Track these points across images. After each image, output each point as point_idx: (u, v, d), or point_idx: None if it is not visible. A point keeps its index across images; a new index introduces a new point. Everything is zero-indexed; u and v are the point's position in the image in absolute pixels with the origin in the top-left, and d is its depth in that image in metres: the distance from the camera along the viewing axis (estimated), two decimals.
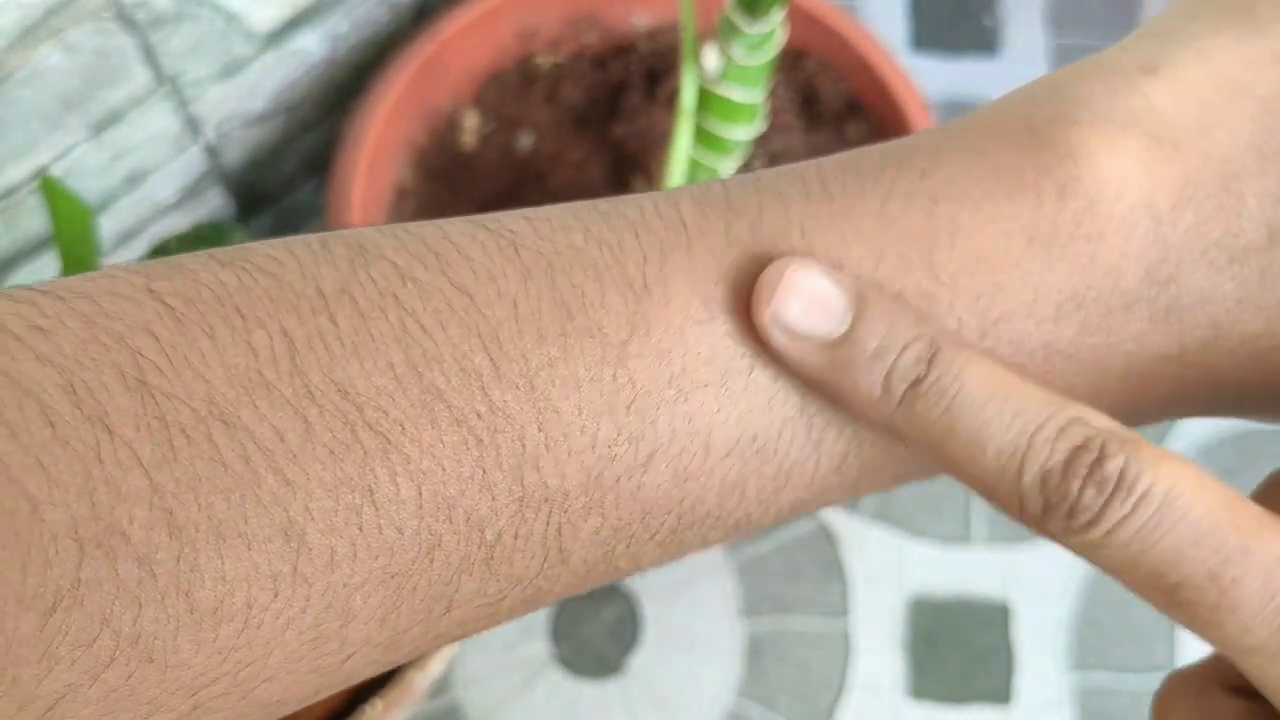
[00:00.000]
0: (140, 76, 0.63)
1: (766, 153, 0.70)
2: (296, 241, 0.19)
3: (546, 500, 0.19)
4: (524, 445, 0.18)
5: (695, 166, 0.56)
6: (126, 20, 0.59)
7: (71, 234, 0.47)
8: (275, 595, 0.17)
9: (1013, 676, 0.78)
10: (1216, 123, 0.20)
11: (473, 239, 0.19)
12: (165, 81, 0.65)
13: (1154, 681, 0.67)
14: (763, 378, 0.19)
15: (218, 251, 0.19)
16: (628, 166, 0.71)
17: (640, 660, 0.77)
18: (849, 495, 0.21)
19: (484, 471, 0.18)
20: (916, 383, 0.19)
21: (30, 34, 0.55)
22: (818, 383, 0.20)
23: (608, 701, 0.76)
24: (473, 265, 0.19)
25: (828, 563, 0.80)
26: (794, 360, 0.19)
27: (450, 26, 0.70)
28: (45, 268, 0.67)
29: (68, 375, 0.17)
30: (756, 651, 0.77)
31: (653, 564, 0.21)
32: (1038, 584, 0.80)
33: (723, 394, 0.19)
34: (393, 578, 0.18)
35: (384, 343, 0.18)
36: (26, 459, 0.16)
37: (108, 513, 0.16)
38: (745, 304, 0.19)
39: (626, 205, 0.20)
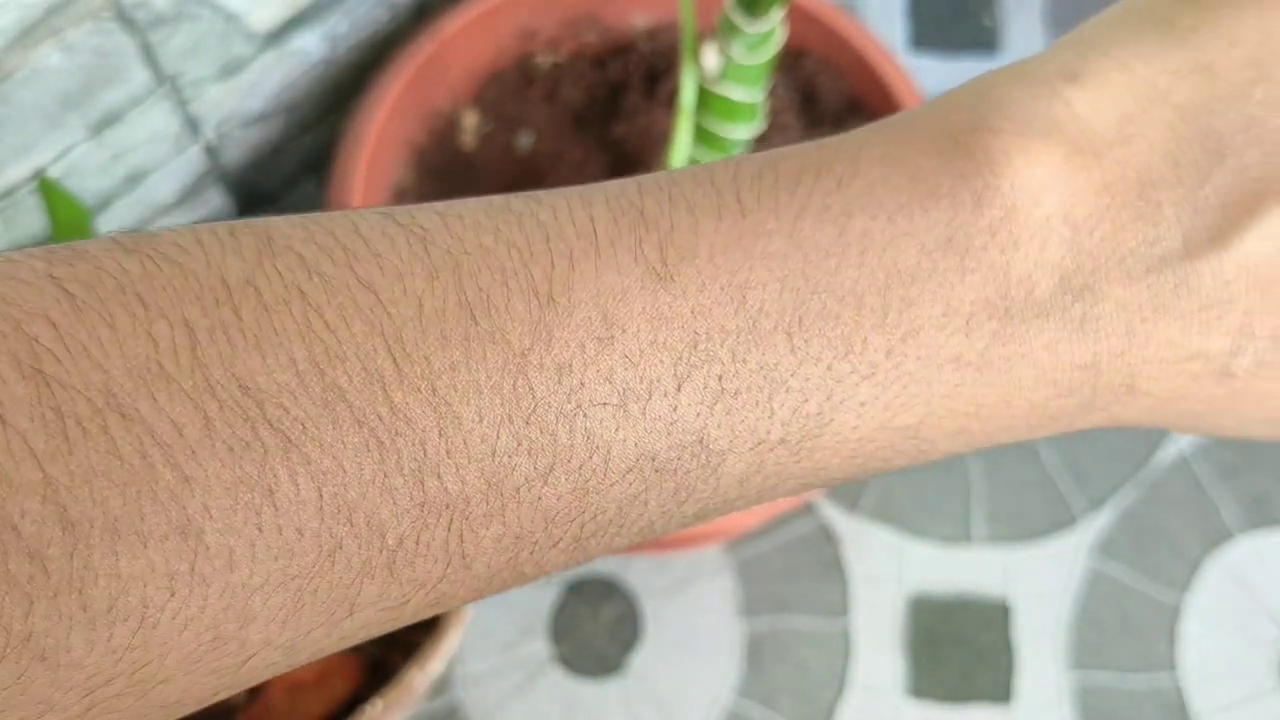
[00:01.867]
0: (140, 76, 0.63)
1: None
2: (205, 229, 0.19)
3: (448, 506, 0.18)
4: (425, 450, 0.18)
5: (695, 166, 0.56)
6: (126, 20, 0.59)
7: (70, 234, 0.47)
8: (172, 595, 0.17)
9: (1013, 676, 0.78)
10: (1136, 131, 0.20)
11: (382, 233, 0.19)
12: (165, 81, 0.65)
13: (1154, 681, 0.68)
14: (661, 405, 0.19)
15: (123, 237, 0.18)
16: (628, 166, 0.71)
17: (640, 660, 0.77)
18: (756, 503, 0.21)
19: (385, 475, 0.18)
20: None
21: (29, 34, 0.55)
22: None
23: (608, 701, 0.76)
24: (380, 261, 0.19)
25: (828, 562, 0.80)
26: None
27: (450, 26, 0.70)
28: None
29: None
30: (756, 651, 0.77)
31: (557, 569, 0.21)
32: (1038, 584, 0.80)
33: (620, 414, 0.19)
34: (293, 580, 0.18)
35: (287, 338, 0.18)
36: None
37: None
38: (644, 326, 0.19)
39: (540, 206, 0.20)
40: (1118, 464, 0.82)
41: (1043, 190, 0.20)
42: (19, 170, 0.61)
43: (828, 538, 0.80)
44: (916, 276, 0.20)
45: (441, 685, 0.75)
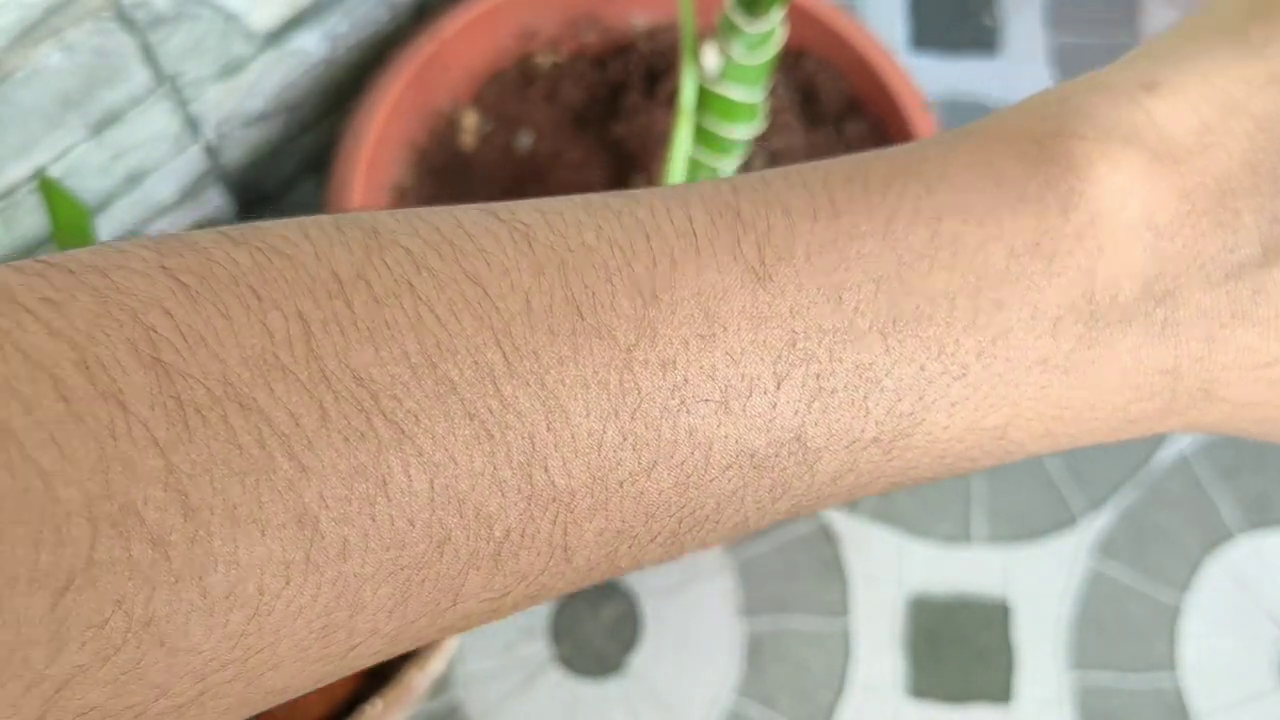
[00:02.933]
0: (140, 76, 0.63)
1: (766, 151, 0.70)
2: (309, 222, 0.19)
3: (554, 500, 0.19)
4: (533, 443, 0.18)
5: (695, 166, 0.56)
6: (126, 20, 0.59)
7: (70, 234, 0.47)
8: (287, 583, 0.17)
9: (1013, 675, 0.78)
10: (1214, 140, 0.20)
11: (486, 229, 0.19)
12: (165, 81, 0.65)
13: (1154, 681, 0.68)
14: (761, 402, 0.20)
15: (229, 229, 0.19)
16: (628, 166, 0.71)
17: (640, 659, 0.77)
18: (846, 501, 0.22)
19: (495, 467, 0.18)
20: None
21: (29, 34, 0.55)
22: None
23: (608, 700, 0.76)
24: (487, 256, 0.19)
25: (828, 562, 0.80)
26: None
27: (450, 26, 0.70)
28: None
29: (81, 350, 0.16)
30: (756, 650, 0.77)
31: (652, 563, 0.21)
32: (1038, 583, 0.80)
33: (722, 411, 0.19)
34: (402, 570, 0.18)
35: (399, 330, 0.18)
36: (40, 434, 0.16)
37: (122, 492, 0.16)
38: (745, 324, 0.19)
39: (638, 205, 0.20)
40: (1118, 464, 0.82)
41: (1126, 196, 0.20)
42: (19, 170, 0.61)
43: (828, 538, 0.80)
44: (1005, 279, 0.20)
45: (441, 685, 0.75)
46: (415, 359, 0.18)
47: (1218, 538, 0.81)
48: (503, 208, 0.20)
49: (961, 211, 0.20)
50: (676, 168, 0.56)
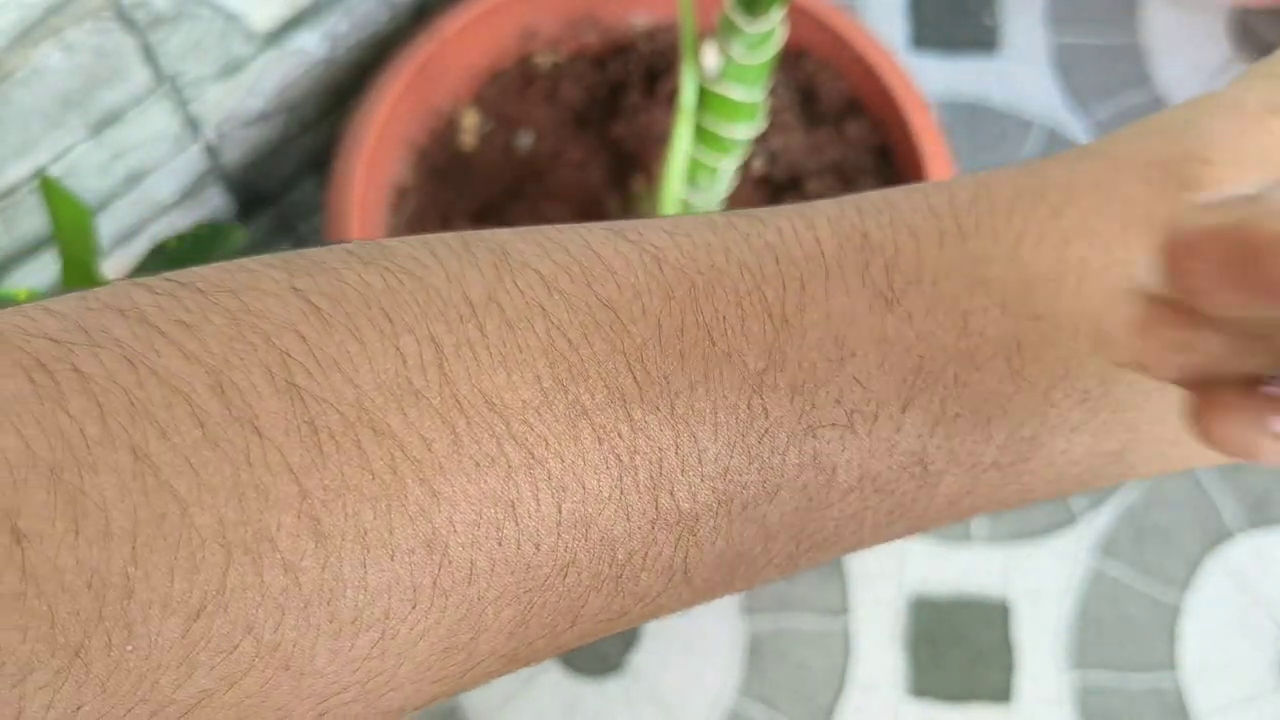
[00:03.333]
0: (139, 76, 0.63)
1: (766, 151, 0.70)
2: (438, 243, 0.19)
3: (678, 523, 0.19)
4: (661, 468, 0.18)
5: (695, 165, 0.56)
6: (126, 20, 0.59)
7: (71, 233, 0.47)
8: (413, 607, 0.17)
9: (1013, 675, 0.78)
10: None
11: (615, 250, 0.19)
12: (165, 81, 0.65)
13: (1154, 681, 0.68)
14: (886, 427, 0.19)
15: (356, 249, 0.19)
16: (628, 166, 0.71)
17: (641, 659, 0.77)
18: (957, 521, 0.22)
19: (622, 492, 0.18)
20: None
21: (29, 34, 0.55)
22: None
23: (608, 700, 0.76)
24: (617, 279, 0.19)
25: (828, 562, 0.80)
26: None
27: (450, 26, 0.70)
28: (45, 267, 0.67)
29: (216, 375, 0.16)
30: (757, 650, 0.77)
31: (765, 582, 0.21)
32: (1038, 583, 0.80)
33: (848, 435, 0.19)
34: (526, 593, 0.18)
35: (531, 355, 0.18)
36: (176, 460, 0.16)
37: (256, 518, 0.16)
38: (872, 349, 0.19)
39: (765, 227, 0.20)
40: None
41: None
42: (19, 170, 0.61)
43: None
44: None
45: None
46: (547, 383, 0.18)
47: (1218, 537, 0.81)
48: (630, 228, 0.20)
49: (1088, 235, 0.20)
50: (676, 167, 0.56)
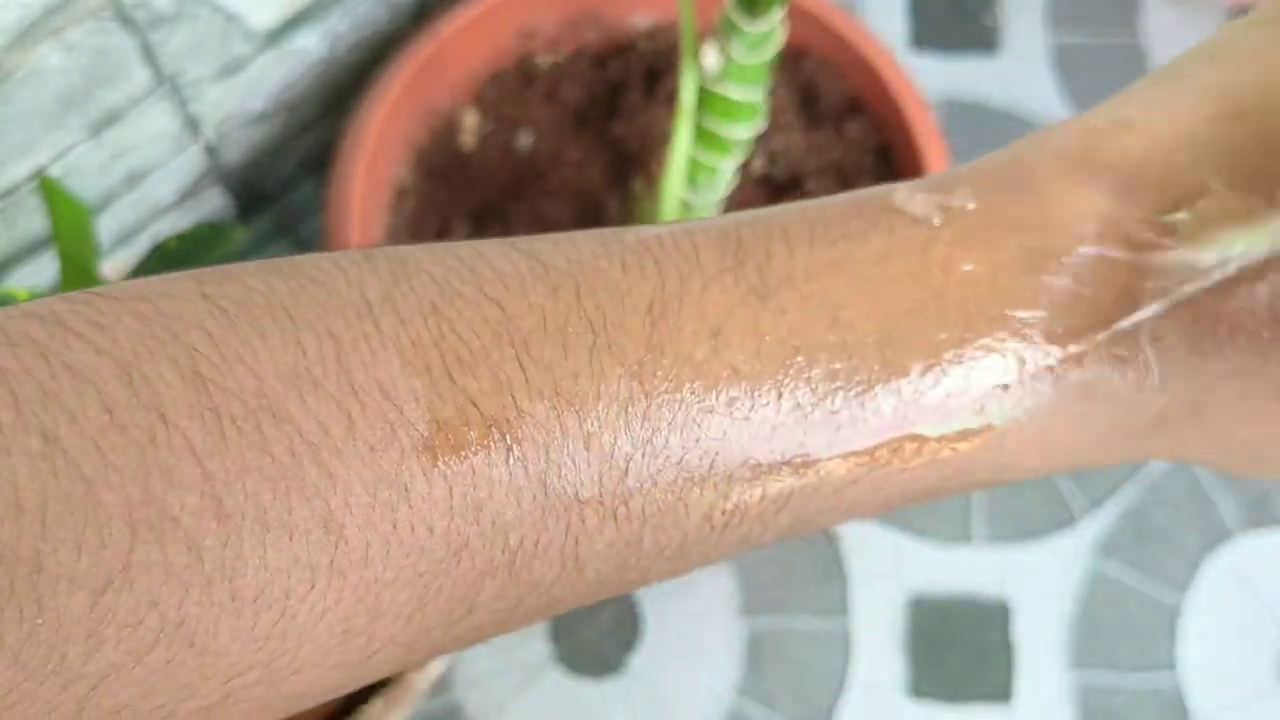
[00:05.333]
0: (139, 76, 0.63)
1: (766, 151, 0.70)
2: (341, 255, 0.20)
3: (566, 509, 0.19)
4: (548, 453, 0.19)
5: (695, 166, 0.56)
6: (126, 20, 0.59)
7: (70, 233, 0.47)
8: (312, 586, 0.18)
9: (1013, 675, 0.78)
10: (1180, 170, 0.22)
11: (504, 256, 0.20)
12: (165, 81, 0.65)
13: (1154, 680, 0.68)
14: (764, 414, 0.20)
15: (266, 262, 0.20)
16: (627, 166, 0.71)
17: (640, 660, 0.77)
18: (847, 519, 0.23)
19: (511, 476, 0.19)
20: None
21: (29, 33, 0.55)
22: None
23: (608, 701, 0.76)
24: (505, 280, 0.20)
25: (828, 562, 0.80)
26: None
27: (450, 26, 0.70)
28: (45, 267, 0.67)
29: (125, 366, 0.17)
30: (756, 651, 0.77)
31: (659, 578, 0.22)
32: (1038, 583, 0.80)
33: (727, 422, 0.20)
34: (420, 576, 0.19)
35: (423, 347, 0.19)
36: (84, 443, 0.16)
37: (160, 497, 0.17)
38: (748, 339, 0.20)
39: (647, 235, 0.21)
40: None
41: (1102, 220, 0.21)
42: (19, 169, 0.61)
43: (828, 538, 0.80)
44: (993, 295, 0.21)
45: (442, 686, 0.75)
46: (437, 373, 0.19)
47: (1218, 538, 0.81)
48: (520, 240, 0.21)
49: (948, 237, 0.21)
50: (676, 167, 0.56)
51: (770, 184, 0.70)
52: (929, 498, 0.23)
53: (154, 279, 0.19)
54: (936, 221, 0.22)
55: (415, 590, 0.19)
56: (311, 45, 0.72)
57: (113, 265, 0.70)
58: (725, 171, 0.56)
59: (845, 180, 0.70)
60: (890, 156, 0.70)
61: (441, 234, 0.70)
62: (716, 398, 0.20)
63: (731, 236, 0.21)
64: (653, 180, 0.69)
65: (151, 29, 0.61)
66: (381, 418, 0.18)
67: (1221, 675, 0.78)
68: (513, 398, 0.19)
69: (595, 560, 0.20)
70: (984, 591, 0.79)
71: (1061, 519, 0.81)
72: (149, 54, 0.62)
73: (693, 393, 0.20)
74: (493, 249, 0.21)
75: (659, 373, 0.20)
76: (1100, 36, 0.91)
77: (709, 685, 0.76)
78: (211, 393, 0.17)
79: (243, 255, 0.82)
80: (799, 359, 0.21)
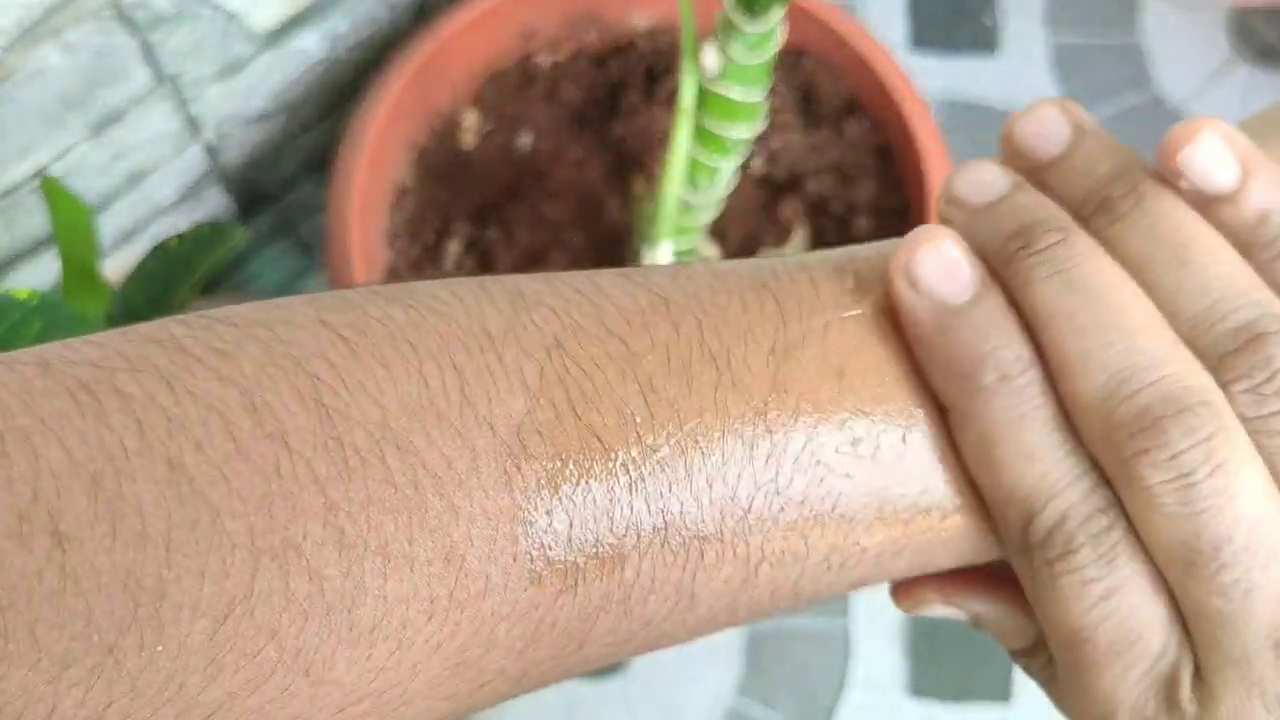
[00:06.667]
0: (140, 76, 0.63)
1: (766, 151, 0.70)
2: (456, 284, 0.20)
3: (684, 545, 0.19)
4: (670, 488, 0.19)
5: (695, 166, 0.56)
6: (126, 20, 0.59)
7: (71, 233, 0.47)
8: (430, 618, 0.18)
9: (1012, 674, 0.78)
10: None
11: (623, 290, 0.20)
12: (165, 81, 0.65)
13: None
14: (889, 453, 0.20)
15: (382, 289, 0.20)
16: (627, 166, 0.71)
17: (641, 659, 0.77)
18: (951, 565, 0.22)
19: (632, 511, 0.19)
20: (1005, 378, 0.20)
21: (30, 34, 0.55)
22: (923, 344, 0.20)
23: (609, 700, 0.76)
24: (625, 314, 0.20)
25: None
26: (906, 310, 0.20)
27: (450, 26, 0.70)
28: (46, 267, 0.67)
29: (248, 394, 0.17)
30: (756, 650, 0.77)
31: (768, 617, 0.22)
32: None
33: (851, 461, 0.20)
34: (537, 609, 0.19)
35: (548, 382, 0.19)
36: (210, 471, 0.16)
37: (284, 526, 0.17)
38: (871, 378, 0.20)
39: (762, 270, 0.21)
40: None
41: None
42: (20, 170, 0.61)
43: None
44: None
45: None
46: (562, 407, 0.19)
47: None
48: (635, 272, 0.21)
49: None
50: (676, 167, 0.56)
51: (770, 184, 0.70)
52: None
53: (268, 304, 0.19)
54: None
55: (530, 624, 0.19)
56: (312, 45, 0.72)
57: (113, 265, 0.71)
58: (725, 171, 0.56)
59: (845, 180, 0.70)
60: (890, 156, 0.70)
61: (442, 234, 0.70)
62: (840, 437, 0.20)
63: (847, 273, 0.21)
64: (653, 180, 0.69)
65: (152, 29, 0.61)
66: (506, 451, 0.18)
67: None
68: (638, 433, 0.19)
69: (709, 597, 0.20)
70: None
71: None
72: (149, 54, 0.62)
73: (818, 434, 0.20)
74: (609, 280, 0.21)
75: (784, 413, 0.20)
76: (1099, 36, 0.91)
77: (709, 684, 0.76)
78: (335, 422, 0.17)
79: (243, 255, 0.82)
80: (922, 397, 0.20)
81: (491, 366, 0.19)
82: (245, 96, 0.71)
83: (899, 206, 0.69)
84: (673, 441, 0.19)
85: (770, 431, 0.20)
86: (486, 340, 0.19)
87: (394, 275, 0.68)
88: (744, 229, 0.69)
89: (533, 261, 0.68)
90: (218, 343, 0.18)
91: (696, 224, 0.60)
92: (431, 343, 0.19)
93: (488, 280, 0.20)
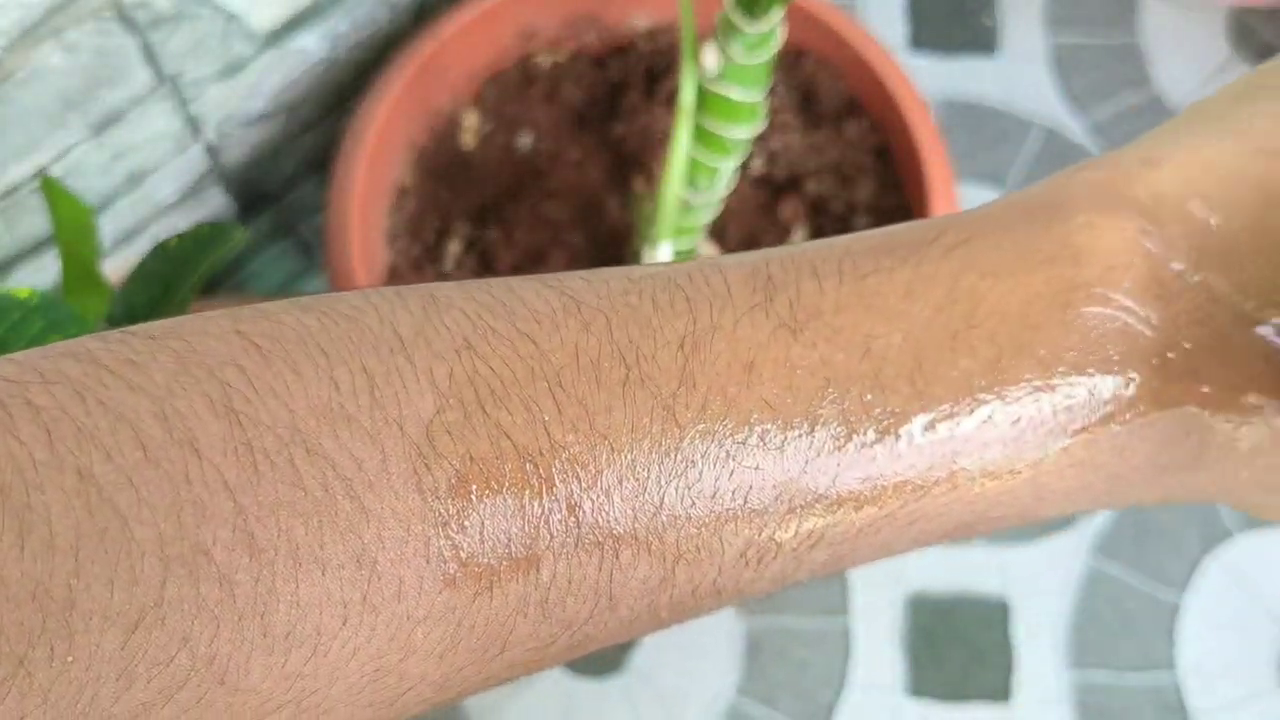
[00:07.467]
0: (140, 76, 0.63)
1: (766, 151, 0.70)
2: (372, 292, 0.20)
3: (598, 544, 0.19)
4: (581, 486, 0.19)
5: (695, 166, 0.56)
6: (126, 20, 0.59)
7: (72, 234, 0.47)
8: (344, 623, 0.18)
9: (1012, 674, 0.78)
10: (1207, 206, 0.22)
11: (537, 293, 0.21)
12: (165, 81, 0.65)
13: (1153, 680, 0.68)
14: (796, 446, 0.20)
15: (299, 299, 0.20)
16: (627, 166, 0.71)
17: (641, 658, 0.77)
18: (881, 556, 0.22)
19: (545, 511, 0.19)
20: None
21: (30, 34, 0.55)
22: None
23: (608, 699, 0.76)
24: (537, 315, 0.20)
25: None
26: None
27: (450, 26, 0.70)
28: (46, 267, 0.67)
29: (159, 403, 0.17)
30: (756, 649, 0.77)
31: (692, 616, 0.22)
32: (1037, 582, 0.80)
33: (760, 454, 0.20)
34: (453, 612, 0.19)
35: (457, 383, 0.19)
36: (119, 479, 0.16)
37: (193, 532, 0.17)
38: (780, 373, 0.20)
39: (677, 272, 0.22)
40: None
41: (1132, 255, 0.21)
42: (20, 170, 0.61)
43: None
44: (1025, 326, 0.21)
45: None
46: (471, 407, 0.19)
47: (1217, 537, 0.81)
48: (550, 277, 0.21)
49: (978, 268, 0.21)
50: (676, 168, 0.56)
51: (770, 184, 0.70)
52: (962, 534, 0.22)
53: (189, 318, 0.19)
54: (963, 255, 0.22)
55: (448, 627, 0.19)
56: (312, 45, 0.72)
57: (114, 265, 0.71)
58: (725, 171, 0.56)
59: (845, 180, 0.70)
60: (889, 157, 0.70)
61: (442, 234, 0.70)
62: (750, 431, 0.20)
63: (761, 272, 0.21)
64: (653, 180, 0.69)
65: (152, 29, 0.61)
66: (416, 452, 0.18)
67: (1220, 674, 0.78)
68: (546, 430, 0.19)
69: (629, 597, 0.20)
70: (983, 591, 0.80)
71: (1061, 518, 0.81)
72: (150, 54, 0.62)
73: (726, 426, 0.20)
74: (524, 285, 0.21)
75: (692, 406, 0.20)
76: (1099, 36, 0.91)
77: (708, 684, 0.76)
78: (245, 427, 0.17)
79: (243, 255, 0.82)
80: (831, 391, 0.20)
81: (401, 368, 0.19)
82: (245, 96, 0.71)
83: (898, 206, 0.69)
84: (582, 437, 0.19)
85: (679, 425, 0.20)
86: (397, 343, 0.19)
87: (394, 275, 0.68)
88: (744, 229, 0.69)
89: (533, 261, 0.68)
90: (131, 354, 0.18)
91: (696, 224, 0.60)
92: (343, 348, 0.19)
93: (405, 288, 0.21)
